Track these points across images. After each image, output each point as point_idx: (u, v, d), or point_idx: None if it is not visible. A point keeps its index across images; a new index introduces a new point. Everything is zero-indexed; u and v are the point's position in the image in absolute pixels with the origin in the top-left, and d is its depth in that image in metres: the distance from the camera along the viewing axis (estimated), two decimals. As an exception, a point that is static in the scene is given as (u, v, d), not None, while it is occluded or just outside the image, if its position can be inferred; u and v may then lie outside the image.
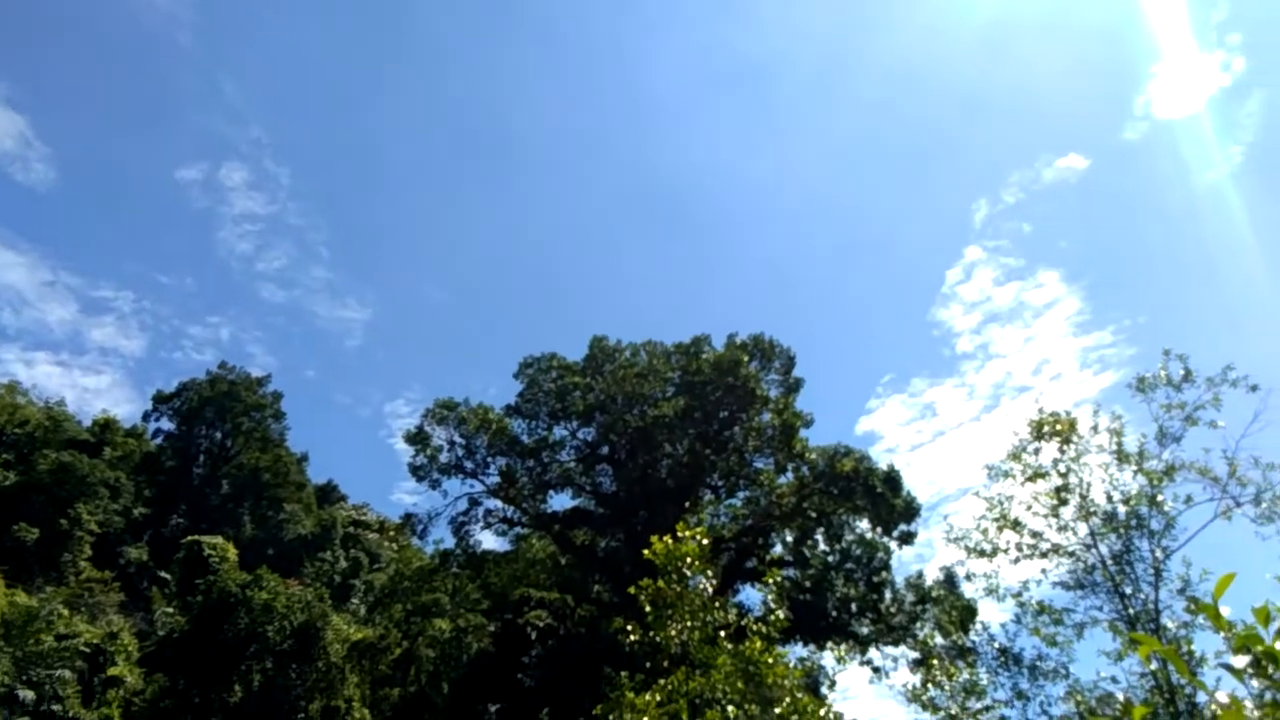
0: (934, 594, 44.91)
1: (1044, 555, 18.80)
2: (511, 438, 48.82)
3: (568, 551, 50.05)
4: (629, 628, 13.28)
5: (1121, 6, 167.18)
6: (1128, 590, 17.47)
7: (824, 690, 43.37)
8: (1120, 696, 16.68)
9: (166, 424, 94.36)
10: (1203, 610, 3.17)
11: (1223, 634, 3.16)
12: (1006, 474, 19.57)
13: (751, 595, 49.17)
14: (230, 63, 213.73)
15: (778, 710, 12.29)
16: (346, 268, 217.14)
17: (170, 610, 54.92)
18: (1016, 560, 19.08)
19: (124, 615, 58.28)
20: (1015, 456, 19.45)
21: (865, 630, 45.31)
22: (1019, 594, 19.05)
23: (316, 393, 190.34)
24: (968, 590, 37.79)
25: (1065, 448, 18.84)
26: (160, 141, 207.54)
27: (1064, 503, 18.58)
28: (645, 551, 13.43)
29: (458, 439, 48.46)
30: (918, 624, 44.31)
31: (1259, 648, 2.97)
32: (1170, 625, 16.63)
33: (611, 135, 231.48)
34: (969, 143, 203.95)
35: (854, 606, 45.50)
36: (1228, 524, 17.12)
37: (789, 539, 48.46)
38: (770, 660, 12.77)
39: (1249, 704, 3.44)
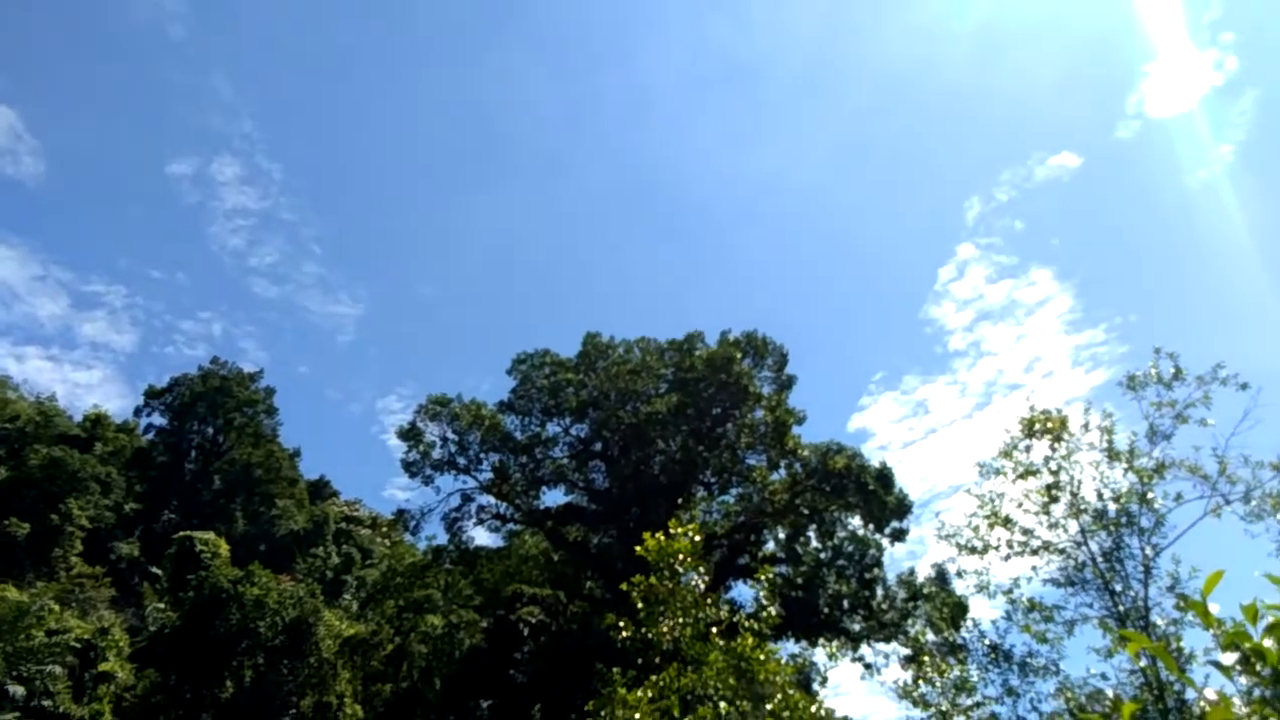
0: (925, 591, 45.05)
1: (1035, 552, 18.87)
2: (504, 434, 48.77)
3: (560, 548, 50.04)
4: (621, 624, 13.29)
5: (1114, 6, 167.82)
6: (1118, 587, 17.55)
7: (815, 686, 43.44)
8: (1110, 693, 16.76)
9: (158, 419, 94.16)
10: (1192, 607, 3.19)
11: (1211, 631, 3.18)
12: (998, 471, 19.64)
13: (744, 592, 49.26)
14: (223, 57, 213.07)
15: (769, 706, 12.31)
16: (339, 263, 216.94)
17: (161, 606, 54.75)
18: (1007, 557, 19.16)
19: (115, 611, 58.11)
20: (1006, 454, 19.52)
21: (857, 627, 45.42)
22: (1010, 591, 19.13)
23: (309, 388, 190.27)
24: (959, 587, 38.09)
25: (1056, 445, 18.90)
26: (152, 135, 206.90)
27: (1055, 500, 18.66)
28: (638, 548, 13.44)
29: (450, 435, 48.40)
30: (909, 621, 44.44)
31: (1247, 645, 2.99)
32: (1160, 622, 16.71)
33: (605, 132, 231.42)
34: (962, 140, 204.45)
35: (846, 603, 45.62)
36: (1217, 521, 17.21)
37: (781, 536, 48.54)
38: (762, 657, 12.79)
39: (1237, 701, 3.46)
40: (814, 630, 45.04)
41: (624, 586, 13.55)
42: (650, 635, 12.81)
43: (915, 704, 18.51)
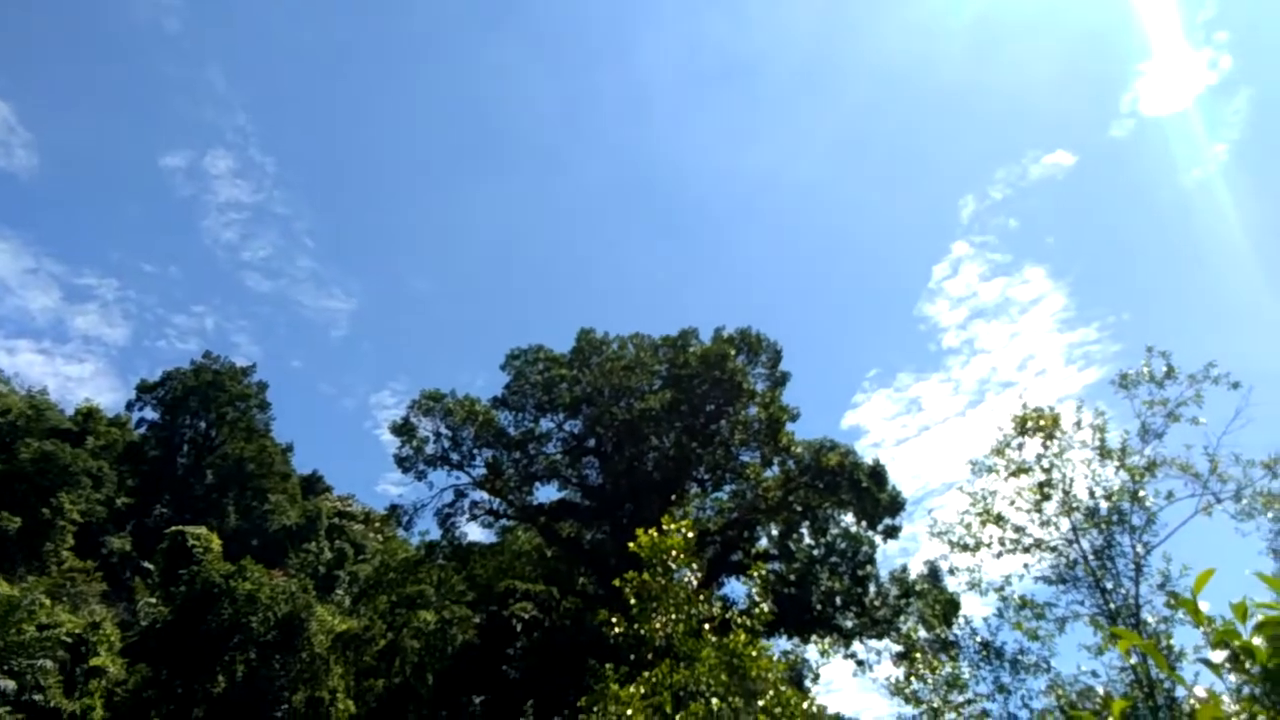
0: (918, 588, 45.14)
1: (1026, 550, 18.93)
2: (498, 429, 48.73)
3: (553, 544, 50.04)
4: (614, 620, 13.29)
5: (1109, 4, 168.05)
6: (1109, 585, 17.61)
7: (808, 683, 43.54)
8: (1100, 690, 16.83)
9: (150, 413, 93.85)
10: (1182, 605, 3.21)
11: (1201, 629, 3.20)
12: (990, 469, 19.69)
13: (736, 588, 49.40)
14: (217, 50, 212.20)
15: (761, 703, 12.33)
16: (332, 258, 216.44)
17: (153, 600, 54.57)
18: (999, 555, 19.21)
19: (106, 605, 57.97)
20: (999, 452, 19.56)
21: (849, 624, 45.51)
22: (1001, 588, 19.18)
23: (302, 383, 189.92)
24: (951, 584, 38.12)
25: (1049, 443, 18.96)
26: (145, 128, 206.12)
27: (1047, 498, 18.71)
28: (631, 544, 13.44)
29: (444, 430, 48.35)
30: (901, 618, 44.53)
31: (1237, 643, 3.00)
32: (1150, 620, 16.77)
33: (601, 128, 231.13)
34: (957, 139, 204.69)
35: (838, 600, 45.70)
36: (1208, 520, 17.28)
37: (774, 532, 48.60)
38: (754, 653, 12.80)
39: (1226, 698, 3.47)
40: (806, 627, 45.13)
41: (617, 582, 13.55)
42: (643, 631, 12.81)
43: (907, 701, 18.56)
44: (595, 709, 12.44)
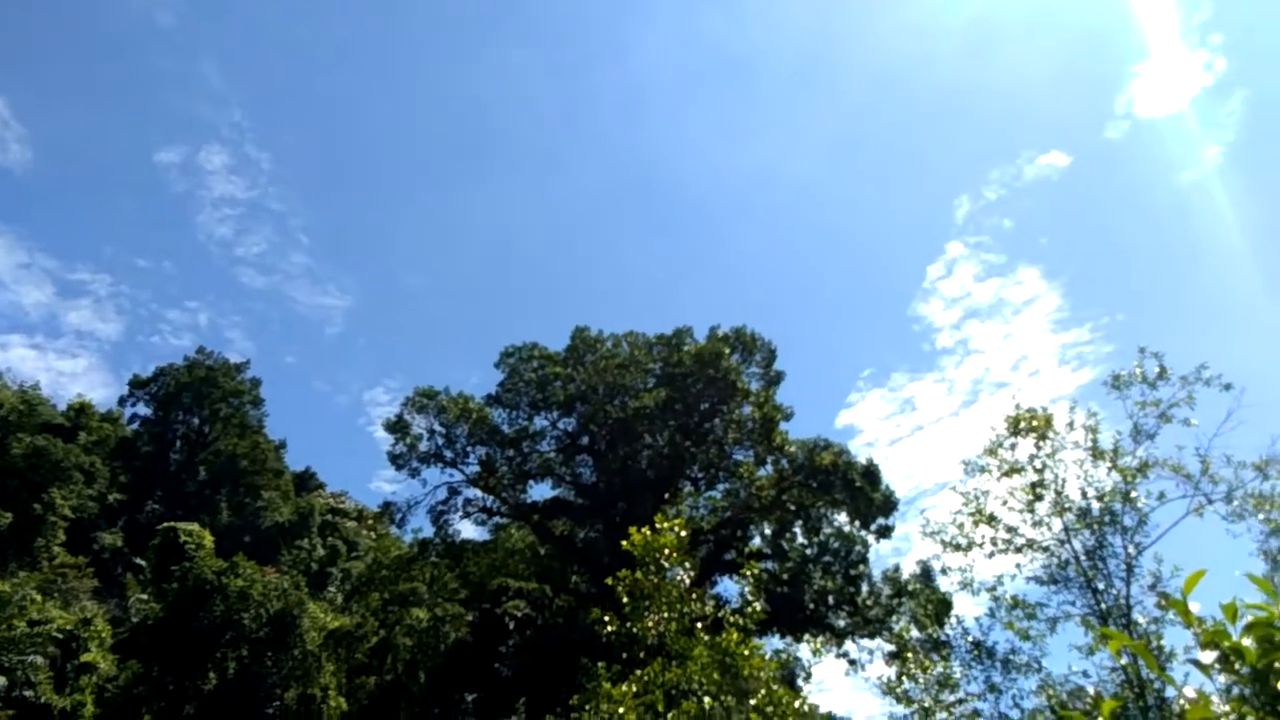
0: (910, 587, 45.23)
1: (1019, 550, 18.96)
2: (492, 427, 48.69)
3: (547, 542, 50.02)
4: (606, 618, 13.30)
5: (1104, 6, 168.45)
6: (1100, 585, 17.65)
7: (799, 682, 43.58)
8: (1091, 690, 16.87)
9: (143, 409, 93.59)
10: (1173, 606, 3.21)
11: (1192, 630, 3.21)
12: (983, 469, 19.71)
13: (729, 587, 49.39)
14: (212, 45, 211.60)
15: (753, 701, 12.35)
16: (327, 254, 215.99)
17: (145, 597, 54.46)
18: (991, 555, 19.24)
19: (98, 601, 57.77)
20: (992, 452, 19.58)
21: (842, 623, 45.57)
22: (993, 588, 19.21)
23: (295, 379, 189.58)
24: (943, 584, 38.17)
25: (1041, 443, 18.98)
26: (139, 123, 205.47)
27: (1039, 498, 18.74)
28: (624, 543, 13.44)
29: (437, 428, 48.30)
30: (893, 617, 44.61)
31: (1226, 644, 3.01)
32: (1141, 620, 16.82)
33: (595, 126, 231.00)
34: (952, 139, 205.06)
35: (831, 599, 45.75)
36: (1199, 521, 17.33)
37: (767, 531, 48.64)
38: (746, 652, 12.82)
39: (1216, 699, 3.48)
40: (799, 626, 45.18)
41: (610, 581, 13.56)
42: (635, 630, 12.82)
43: (898, 700, 18.59)
44: (588, 707, 12.45)
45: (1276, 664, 2.91)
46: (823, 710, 47.27)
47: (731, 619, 13.56)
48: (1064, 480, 18.64)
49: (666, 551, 13.22)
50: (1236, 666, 2.99)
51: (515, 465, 49.18)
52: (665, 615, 12.96)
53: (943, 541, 19.88)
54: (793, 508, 46.41)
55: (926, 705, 18.14)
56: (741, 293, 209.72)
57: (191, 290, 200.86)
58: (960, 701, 18.26)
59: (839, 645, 45.20)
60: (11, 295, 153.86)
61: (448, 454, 48.24)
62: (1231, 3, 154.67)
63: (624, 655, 12.95)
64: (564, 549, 49.64)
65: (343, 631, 51.59)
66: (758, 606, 14.20)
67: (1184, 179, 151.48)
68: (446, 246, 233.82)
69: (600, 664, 12.90)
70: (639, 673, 12.44)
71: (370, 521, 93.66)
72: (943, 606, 38.97)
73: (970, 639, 19.31)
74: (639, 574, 13.10)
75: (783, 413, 46.92)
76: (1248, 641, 2.97)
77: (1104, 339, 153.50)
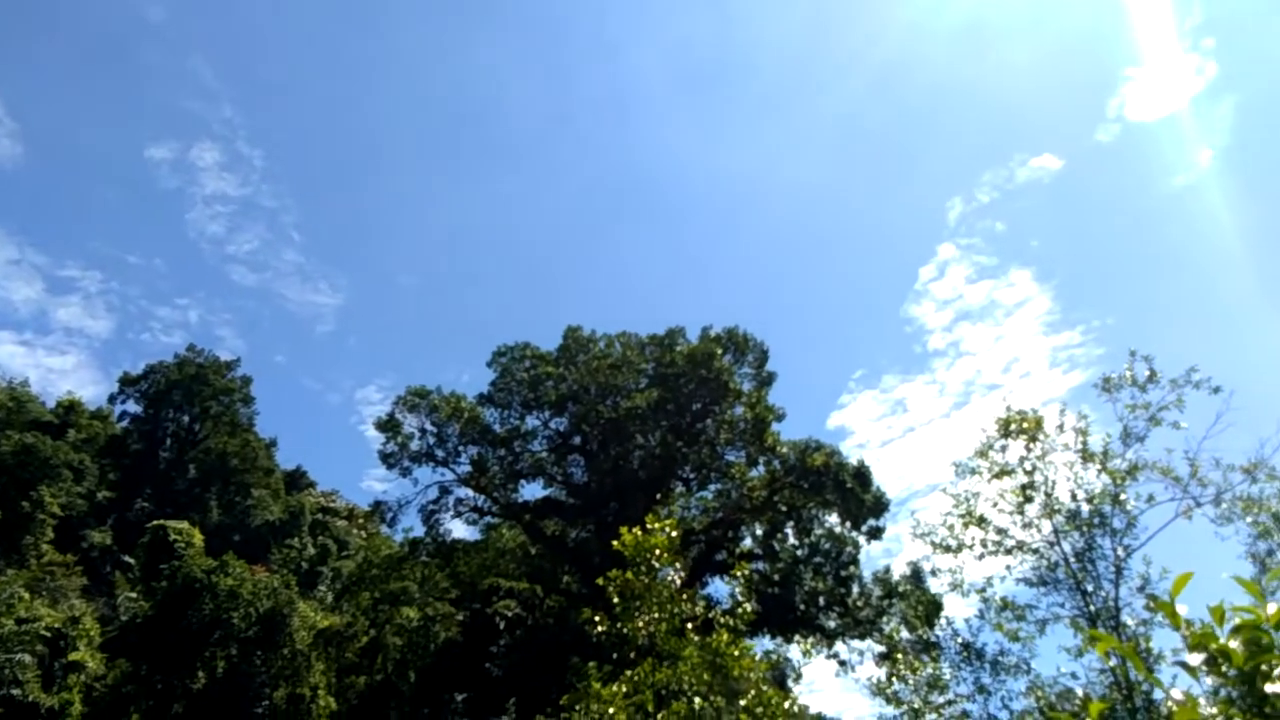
0: (900, 589, 45.29)
1: (1008, 552, 19.02)
2: (483, 426, 48.61)
3: (538, 541, 49.96)
4: (597, 618, 13.29)
5: (1096, 10, 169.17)
6: (1089, 587, 17.72)
7: (790, 683, 43.68)
8: (1080, 692, 16.94)
9: (133, 407, 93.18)
10: (1161, 608, 3.22)
11: (1180, 632, 3.22)
12: (973, 471, 19.77)
13: (720, 588, 49.45)
14: (203, 41, 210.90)
15: (743, 702, 12.35)
16: (319, 252, 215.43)
17: (134, 595, 54.20)
18: (981, 556, 19.30)
19: (86, 599, 57.47)
20: (982, 454, 19.65)
21: (832, 624, 45.64)
22: (983, 590, 19.28)
23: (286, 378, 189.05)
24: (933, 585, 38.27)
25: (1032, 446, 19.05)
26: (130, 119, 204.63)
27: (1029, 500, 18.80)
28: (615, 543, 13.44)
29: (429, 427, 48.20)
30: (884, 618, 44.69)
31: (1214, 646, 3.02)
32: (1130, 622, 16.89)
33: (589, 126, 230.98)
34: (944, 141, 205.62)
35: (821, 600, 45.82)
36: (1188, 524, 17.42)
37: (759, 532, 48.69)
38: (737, 652, 12.83)
39: (1203, 701, 3.50)
40: (789, 627, 45.24)
41: (600, 581, 13.56)
42: (626, 630, 12.82)
43: (888, 701, 18.64)
44: (578, 707, 12.44)
45: (1263, 666, 2.92)
46: (812, 711, 47.42)
47: (722, 619, 13.58)
48: (1054, 482, 18.72)
49: (657, 552, 13.21)
50: (1224, 669, 3.00)
51: (507, 465, 49.11)
52: (656, 615, 12.96)
53: (933, 543, 19.95)
54: (784, 509, 46.45)
55: (916, 706, 18.19)
56: (734, 293, 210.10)
57: (182, 287, 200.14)
58: (950, 703, 18.31)
59: (829, 646, 45.28)
60: (1, 291, 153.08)
61: (439, 453, 48.16)
62: (1223, 7, 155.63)
63: (614, 655, 12.94)
64: (555, 549, 49.59)
65: (333, 631, 51.47)
66: (748, 607, 14.23)
67: (1176, 183, 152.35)
68: (439, 245, 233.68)
69: (591, 664, 12.89)
70: (629, 673, 12.44)
71: (361, 520, 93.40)
72: (933, 608, 39.08)
73: (960, 640, 19.37)
74: (630, 574, 13.10)
75: (774, 413, 46.97)
76: (1235, 644, 2.98)
77: (1095, 342, 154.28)
